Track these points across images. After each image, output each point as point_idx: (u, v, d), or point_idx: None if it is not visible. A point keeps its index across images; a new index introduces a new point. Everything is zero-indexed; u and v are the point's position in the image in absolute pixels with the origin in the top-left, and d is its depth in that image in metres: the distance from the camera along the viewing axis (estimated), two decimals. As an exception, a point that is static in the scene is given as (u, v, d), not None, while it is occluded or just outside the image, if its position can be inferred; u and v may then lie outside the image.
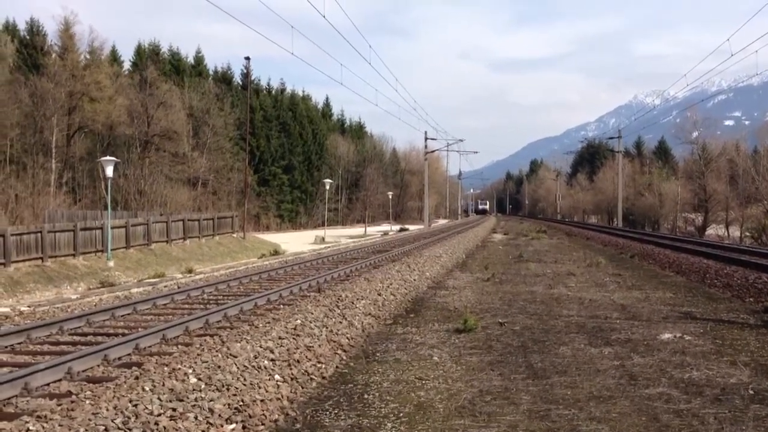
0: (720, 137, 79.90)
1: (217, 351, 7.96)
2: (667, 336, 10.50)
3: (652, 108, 58.38)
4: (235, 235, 44.00)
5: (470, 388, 7.78)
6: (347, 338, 10.36)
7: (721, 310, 13.31)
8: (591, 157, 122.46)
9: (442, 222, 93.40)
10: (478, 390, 7.68)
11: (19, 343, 9.20)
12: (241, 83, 75.55)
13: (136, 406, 5.94)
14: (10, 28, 59.93)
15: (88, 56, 53.71)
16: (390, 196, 77.64)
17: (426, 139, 69.03)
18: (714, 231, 65.99)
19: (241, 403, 6.68)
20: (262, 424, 6.52)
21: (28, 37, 55.78)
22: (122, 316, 11.64)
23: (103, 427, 5.45)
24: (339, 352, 9.62)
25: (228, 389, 6.86)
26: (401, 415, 6.87)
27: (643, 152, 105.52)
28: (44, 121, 47.52)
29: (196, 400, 6.36)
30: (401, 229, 62.29)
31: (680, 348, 9.68)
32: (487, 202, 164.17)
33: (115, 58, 61.64)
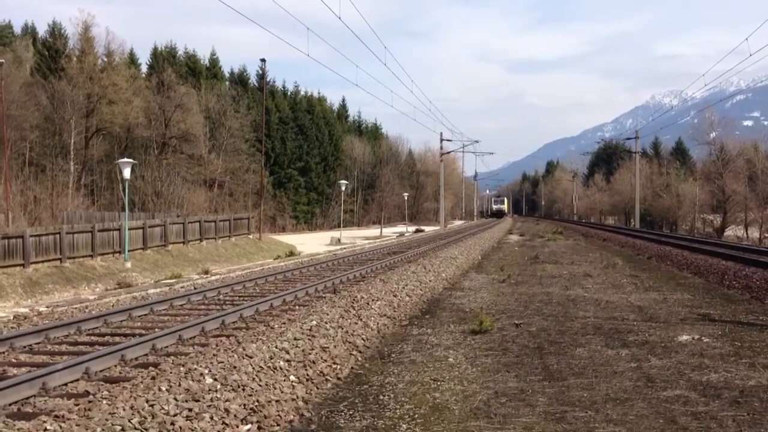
0: (738, 138, 79.11)
1: (232, 351, 7.99)
2: (685, 338, 10.41)
3: (669, 108, 57.96)
4: (251, 237, 44.17)
5: (486, 389, 7.76)
6: (362, 339, 10.36)
7: (740, 312, 13.17)
8: (608, 158, 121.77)
9: (458, 223, 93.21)
10: (494, 391, 7.65)
11: (38, 343, 9.28)
12: (257, 85, 75.85)
13: (152, 406, 5.98)
14: (30, 32, 60.68)
15: (105, 59, 54.18)
16: (405, 198, 77.58)
17: (441, 140, 68.97)
18: (733, 232, 65.34)
19: (257, 404, 6.70)
20: (278, 425, 6.53)
21: (50, 40, 56.38)
22: (139, 316, 11.72)
23: (120, 427, 5.49)
24: (354, 353, 9.62)
25: (243, 390, 6.89)
26: (416, 416, 6.85)
27: (661, 153, 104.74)
28: (63, 123, 47.99)
29: (211, 400, 6.39)
30: (417, 231, 62.23)
31: (698, 350, 9.59)
32: (504, 200, 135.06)
33: (132, 60, 62.10)
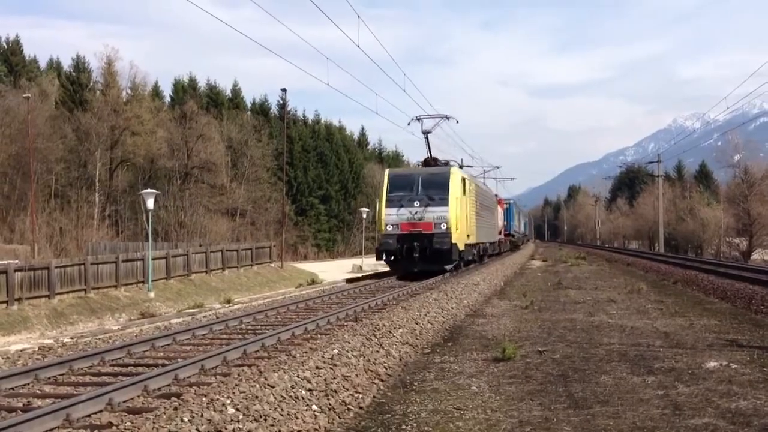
0: (763, 160, 78.38)
1: (254, 381, 7.97)
2: (712, 364, 10.23)
3: (692, 131, 57.53)
4: (273, 265, 44.30)
5: (509, 418, 7.66)
6: (385, 367, 10.30)
7: (769, 337, 12.94)
8: (630, 182, 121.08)
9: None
10: (518, 420, 7.56)
11: (62, 374, 9.33)
12: (277, 114, 76.60)
13: (174, 436, 5.98)
14: (55, 66, 62.01)
15: (129, 91, 55.13)
16: (427, 224, 77.34)
17: (462, 166, 68.95)
18: (759, 256, 64.46)
19: (279, 434, 6.67)
20: (300, 455, 6.50)
21: (74, 74, 57.55)
22: (162, 346, 11.73)
23: (142, 458, 5.49)
24: (376, 381, 9.56)
25: (265, 420, 6.86)
26: (439, 446, 6.79)
27: (684, 176, 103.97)
28: (88, 155, 48.84)
29: (233, 430, 6.37)
30: (439, 257, 61.83)
31: (726, 376, 9.42)
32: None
33: (156, 92, 63.14)
